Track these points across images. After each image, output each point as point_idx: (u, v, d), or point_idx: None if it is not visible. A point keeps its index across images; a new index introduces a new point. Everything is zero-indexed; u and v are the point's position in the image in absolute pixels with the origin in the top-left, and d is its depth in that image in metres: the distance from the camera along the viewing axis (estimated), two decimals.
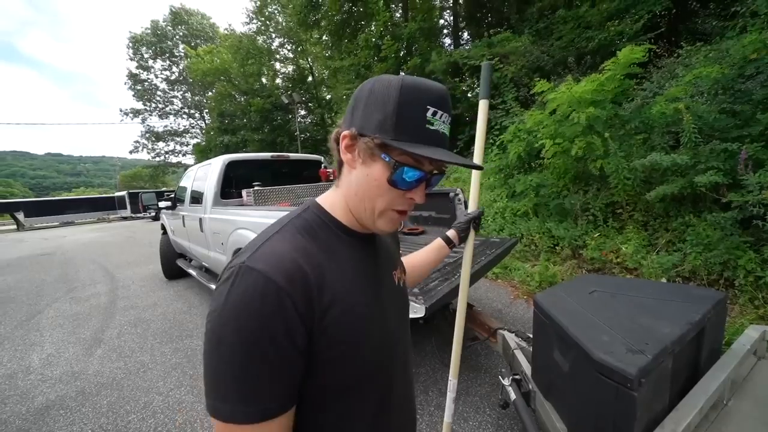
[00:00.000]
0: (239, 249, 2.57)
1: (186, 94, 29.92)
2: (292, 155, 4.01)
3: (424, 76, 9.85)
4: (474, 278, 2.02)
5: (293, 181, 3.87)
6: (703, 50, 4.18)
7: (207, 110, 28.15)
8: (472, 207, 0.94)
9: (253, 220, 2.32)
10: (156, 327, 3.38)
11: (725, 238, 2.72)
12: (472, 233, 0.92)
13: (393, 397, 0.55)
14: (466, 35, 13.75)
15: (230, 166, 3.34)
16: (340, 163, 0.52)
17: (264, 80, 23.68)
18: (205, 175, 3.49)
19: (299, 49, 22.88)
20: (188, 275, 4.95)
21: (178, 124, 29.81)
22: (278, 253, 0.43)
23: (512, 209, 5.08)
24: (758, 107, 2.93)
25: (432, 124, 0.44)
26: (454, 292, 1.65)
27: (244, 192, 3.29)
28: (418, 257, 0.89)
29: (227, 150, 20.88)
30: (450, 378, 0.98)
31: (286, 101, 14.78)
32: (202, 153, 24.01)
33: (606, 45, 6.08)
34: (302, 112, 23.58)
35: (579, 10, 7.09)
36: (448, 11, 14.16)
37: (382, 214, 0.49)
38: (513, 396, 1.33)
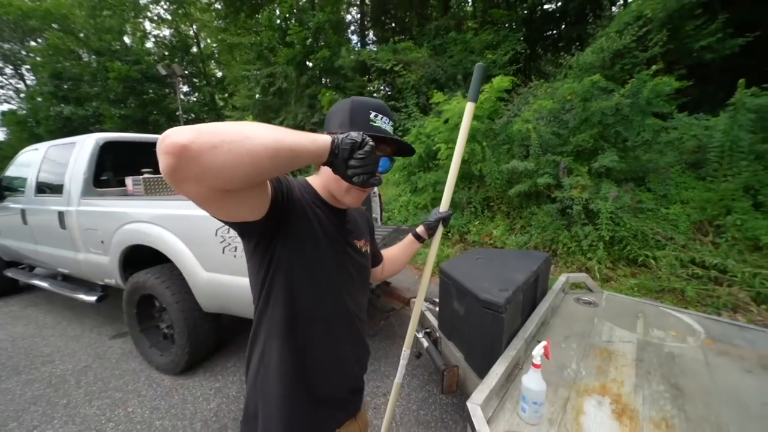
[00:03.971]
0: (135, 246, 2.23)
1: None
2: None
3: (333, 70, 9.96)
4: None
5: None
6: (544, 86, 5.68)
7: (29, 67, 20.42)
8: (443, 207, 0.98)
9: (159, 212, 2.05)
10: None
11: (552, 222, 3.90)
12: (440, 230, 1.01)
13: (343, 321, 0.75)
14: (372, 35, 14.39)
15: (105, 149, 2.77)
16: None
17: (128, 40, 18.97)
18: (64, 159, 2.79)
19: (180, 11, 19.27)
20: (26, 290, 3.83)
21: None
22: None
23: (414, 203, 5.81)
24: (572, 132, 4.26)
25: (375, 122, 0.67)
26: None
27: (129, 180, 2.80)
28: (392, 251, 1.07)
29: (69, 124, 15.96)
30: (404, 348, 1.17)
31: (164, 72, 12.31)
32: (21, 125, 17.54)
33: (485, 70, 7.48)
34: (185, 88, 20.04)
35: (466, 35, 8.45)
36: (356, 9, 14.46)
37: (348, 190, 0.69)
38: (426, 344, 1.72)
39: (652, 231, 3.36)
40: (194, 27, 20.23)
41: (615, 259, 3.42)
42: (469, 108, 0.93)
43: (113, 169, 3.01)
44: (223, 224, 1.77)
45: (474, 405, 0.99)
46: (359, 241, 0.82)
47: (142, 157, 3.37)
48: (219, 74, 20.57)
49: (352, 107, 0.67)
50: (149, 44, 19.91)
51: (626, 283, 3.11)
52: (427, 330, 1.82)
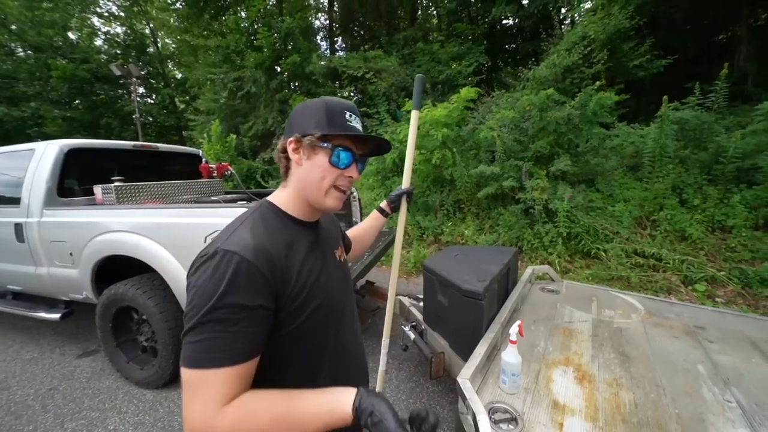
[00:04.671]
0: (108, 257, 2.15)
1: None
2: (162, 146, 3.45)
3: (304, 75, 9.93)
4: (373, 264, 2.47)
5: (159, 178, 3.27)
6: (505, 96, 6.15)
7: None
8: (405, 184, 1.07)
9: (139, 221, 2.01)
10: None
11: (517, 221, 4.25)
12: (404, 206, 1.08)
13: (344, 342, 0.71)
14: (340, 41, 14.51)
15: (71, 156, 2.63)
16: (287, 168, 0.67)
17: (72, 36, 17.40)
18: (20, 167, 2.61)
19: (135, 8, 18.09)
20: None
21: None
22: (246, 238, 0.56)
23: None
24: (531, 139, 4.67)
25: (351, 122, 0.64)
26: (364, 271, 2.11)
27: (99, 188, 2.66)
28: (360, 228, 1.10)
29: (1, 126, 14.32)
30: (384, 338, 1.26)
31: (119, 73, 11.50)
32: None
33: (451, 79, 7.91)
34: (141, 90, 18.74)
35: (433, 46, 8.87)
36: (324, 15, 14.53)
37: (328, 192, 0.65)
38: (412, 336, 1.86)
39: (601, 227, 3.80)
40: (150, 25, 19.05)
41: (572, 252, 3.82)
42: (415, 116, 1.06)
43: (77, 178, 2.83)
44: (213, 231, 1.81)
45: (464, 379, 1.14)
46: (336, 251, 0.79)
47: (109, 165, 3.21)
48: (179, 75, 19.53)
49: (327, 107, 0.63)
50: (99, 42, 18.38)
51: (582, 273, 3.49)
52: (413, 323, 1.96)
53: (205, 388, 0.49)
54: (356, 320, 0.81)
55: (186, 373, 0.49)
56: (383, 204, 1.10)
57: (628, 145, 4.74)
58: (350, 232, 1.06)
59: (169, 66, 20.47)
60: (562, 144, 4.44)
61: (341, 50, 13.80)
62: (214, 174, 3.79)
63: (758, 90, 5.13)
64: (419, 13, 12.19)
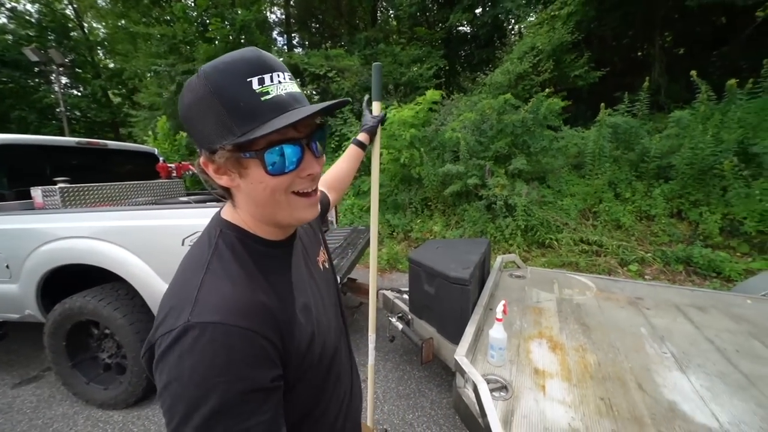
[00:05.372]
0: (58, 269, 1.92)
1: None
2: (112, 144, 3.13)
3: None
4: (356, 262, 2.52)
5: (106, 179, 2.94)
6: (464, 99, 6.52)
7: None
8: (375, 112, 1.10)
9: (102, 225, 1.82)
10: None
11: (481, 217, 4.57)
12: (379, 134, 1.10)
13: (343, 371, 0.59)
14: (298, 38, 14.13)
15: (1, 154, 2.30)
16: (226, 188, 0.46)
17: None
18: None
19: None
20: None
21: None
22: (224, 294, 0.41)
23: (359, 205, 6.02)
24: (491, 140, 5.04)
25: (269, 93, 0.40)
26: (349, 269, 2.17)
27: (38, 191, 2.34)
28: (339, 169, 0.99)
29: None
30: (369, 333, 1.35)
31: (36, 58, 9.95)
32: None
33: (413, 81, 8.16)
34: (64, 80, 16.36)
35: (394, 48, 9.06)
36: (280, 9, 14.03)
37: (293, 205, 0.46)
38: (400, 327, 1.95)
39: (553, 219, 4.25)
40: (74, 5, 16.73)
41: (529, 243, 4.21)
42: (376, 107, 1.10)
43: (6, 179, 2.46)
44: (192, 233, 1.72)
45: (460, 356, 1.26)
46: (319, 258, 0.65)
47: (43, 164, 2.83)
48: (112, 65, 17.43)
49: (218, 91, 0.39)
50: (2, 19, 15.62)
51: (539, 261, 3.88)
52: (399, 315, 2.05)
53: None
54: (347, 333, 0.68)
55: None
56: (361, 136, 1.04)
57: (572, 146, 5.34)
58: (327, 179, 0.94)
59: (100, 54, 18.20)
60: (517, 144, 4.86)
61: (299, 47, 13.45)
62: (173, 174, 3.53)
63: (668, 101, 6.08)
64: (379, 14, 12.35)
